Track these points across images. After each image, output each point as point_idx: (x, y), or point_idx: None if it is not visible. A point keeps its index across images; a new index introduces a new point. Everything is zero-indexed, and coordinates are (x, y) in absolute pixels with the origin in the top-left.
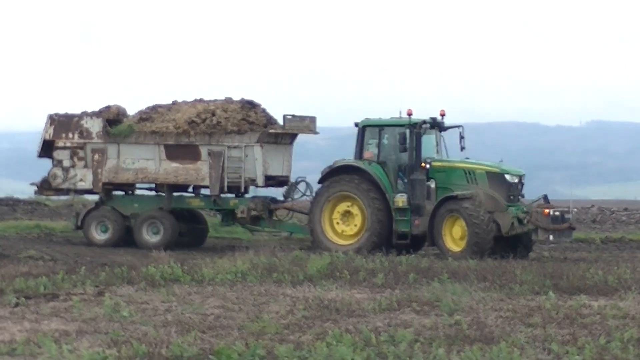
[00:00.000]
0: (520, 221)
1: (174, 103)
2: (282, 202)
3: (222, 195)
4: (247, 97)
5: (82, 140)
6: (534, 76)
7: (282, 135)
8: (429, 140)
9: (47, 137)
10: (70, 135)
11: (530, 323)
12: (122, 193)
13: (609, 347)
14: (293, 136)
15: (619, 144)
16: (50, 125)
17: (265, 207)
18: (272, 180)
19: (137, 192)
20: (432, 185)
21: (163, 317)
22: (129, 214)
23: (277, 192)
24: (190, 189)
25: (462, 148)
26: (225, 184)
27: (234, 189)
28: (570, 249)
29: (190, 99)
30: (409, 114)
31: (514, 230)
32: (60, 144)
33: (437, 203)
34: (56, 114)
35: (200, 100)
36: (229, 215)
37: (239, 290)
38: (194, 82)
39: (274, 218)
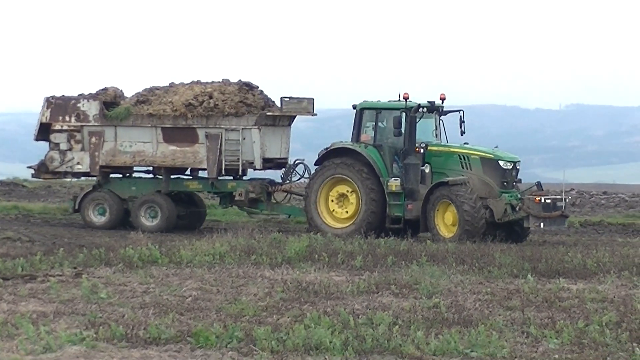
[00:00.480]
0: (513, 208)
1: (171, 85)
2: (280, 184)
3: (220, 178)
4: (244, 79)
5: (79, 123)
6: (514, 59)
7: (279, 117)
8: (427, 125)
9: (44, 120)
10: (67, 118)
11: (509, 306)
12: (120, 176)
13: (587, 330)
14: (291, 118)
15: (598, 128)
16: (47, 108)
17: (264, 189)
18: (270, 163)
19: (135, 175)
20: (427, 169)
21: (141, 298)
22: (126, 197)
23: (275, 175)
24: (188, 172)
25: (462, 133)
26: (223, 166)
27: (232, 171)
28: (549, 232)
29: (187, 80)
30: (405, 98)
31: (507, 217)
32: (57, 126)
33: (430, 188)
34: (53, 97)
35: (197, 82)
36: (226, 198)
37: (217, 272)
38: (191, 63)
39: (272, 200)
